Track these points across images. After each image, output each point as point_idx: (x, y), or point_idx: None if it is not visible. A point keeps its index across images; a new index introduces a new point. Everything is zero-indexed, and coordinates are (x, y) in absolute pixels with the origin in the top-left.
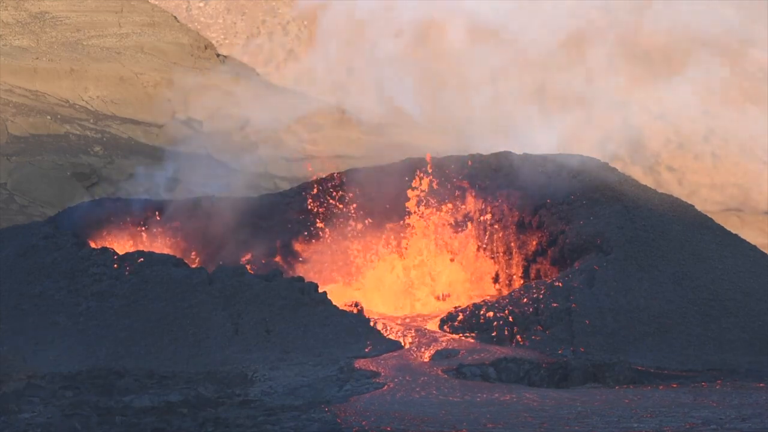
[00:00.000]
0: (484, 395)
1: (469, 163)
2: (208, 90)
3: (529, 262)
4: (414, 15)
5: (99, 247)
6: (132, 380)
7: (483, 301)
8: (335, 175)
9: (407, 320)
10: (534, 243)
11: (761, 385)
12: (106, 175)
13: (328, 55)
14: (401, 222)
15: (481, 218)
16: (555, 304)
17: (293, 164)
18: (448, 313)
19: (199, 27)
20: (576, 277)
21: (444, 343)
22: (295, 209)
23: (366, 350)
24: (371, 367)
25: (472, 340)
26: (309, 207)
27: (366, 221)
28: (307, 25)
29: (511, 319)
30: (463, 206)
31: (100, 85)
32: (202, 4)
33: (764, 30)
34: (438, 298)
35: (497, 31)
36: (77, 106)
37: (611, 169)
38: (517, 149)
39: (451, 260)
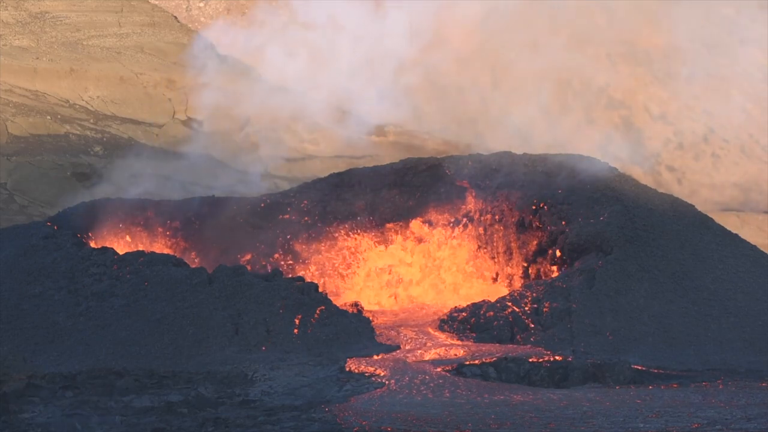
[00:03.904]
0: (487, 395)
1: (469, 163)
2: (208, 90)
3: (529, 262)
4: (415, 14)
5: (99, 247)
6: (132, 380)
7: (483, 301)
8: (335, 175)
9: (407, 320)
10: (534, 243)
11: (763, 384)
12: (106, 175)
13: (328, 55)
14: (402, 222)
15: (481, 218)
16: (555, 304)
17: (293, 164)
18: (448, 313)
19: (199, 27)
20: (576, 277)
21: (444, 344)
22: (295, 209)
23: (366, 350)
24: (371, 367)
25: (472, 341)
26: (309, 207)
27: (366, 221)
28: (307, 25)
29: (511, 319)
30: (464, 206)
31: (100, 85)
32: (202, 4)
33: (764, 30)
34: (439, 298)
35: (500, 29)
36: (77, 106)
37: (611, 169)
38: (518, 149)
39: (452, 260)
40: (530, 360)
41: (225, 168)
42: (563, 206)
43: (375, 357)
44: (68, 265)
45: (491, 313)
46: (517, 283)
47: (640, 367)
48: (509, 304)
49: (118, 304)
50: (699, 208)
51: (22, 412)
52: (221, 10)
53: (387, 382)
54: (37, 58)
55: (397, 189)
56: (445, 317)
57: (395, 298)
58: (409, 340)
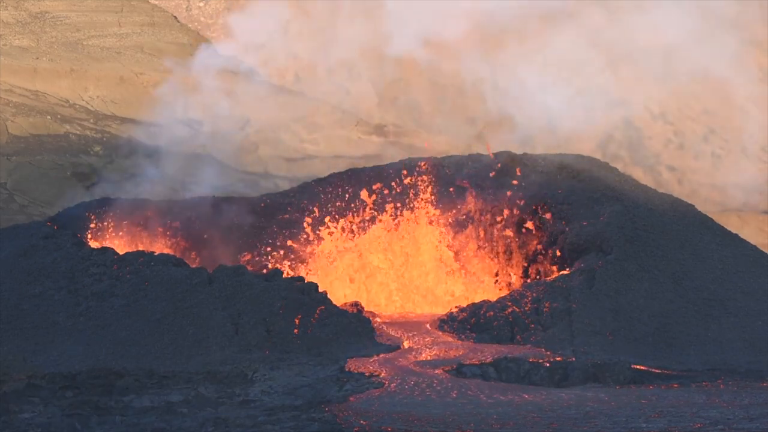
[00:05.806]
0: (488, 395)
1: (469, 163)
2: (208, 90)
3: (529, 262)
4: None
5: (99, 247)
6: (132, 380)
7: (483, 301)
8: (335, 175)
9: (407, 320)
10: (534, 243)
11: (764, 384)
12: (106, 175)
13: (328, 55)
14: (402, 222)
15: (481, 218)
16: (555, 304)
17: (293, 164)
18: (448, 313)
19: (199, 27)
20: (576, 277)
21: (444, 344)
22: (295, 209)
23: (366, 350)
24: (371, 367)
25: (472, 341)
26: (309, 207)
27: (366, 221)
28: (307, 24)
29: (511, 319)
30: (464, 206)
31: (100, 85)
32: (202, 4)
33: (764, 30)
34: (439, 298)
35: (500, 29)
36: (77, 106)
37: (611, 169)
38: (518, 149)
39: (453, 260)
40: (530, 360)
41: (225, 168)
42: (563, 206)
43: (375, 357)
44: (68, 265)
45: (491, 313)
46: (517, 283)
47: (640, 367)
48: (509, 304)
49: (118, 304)
50: (699, 208)
51: (22, 412)
52: (221, 10)
53: (387, 382)
54: (37, 58)
55: (396, 189)
56: (445, 317)
57: (395, 297)
58: (409, 340)
